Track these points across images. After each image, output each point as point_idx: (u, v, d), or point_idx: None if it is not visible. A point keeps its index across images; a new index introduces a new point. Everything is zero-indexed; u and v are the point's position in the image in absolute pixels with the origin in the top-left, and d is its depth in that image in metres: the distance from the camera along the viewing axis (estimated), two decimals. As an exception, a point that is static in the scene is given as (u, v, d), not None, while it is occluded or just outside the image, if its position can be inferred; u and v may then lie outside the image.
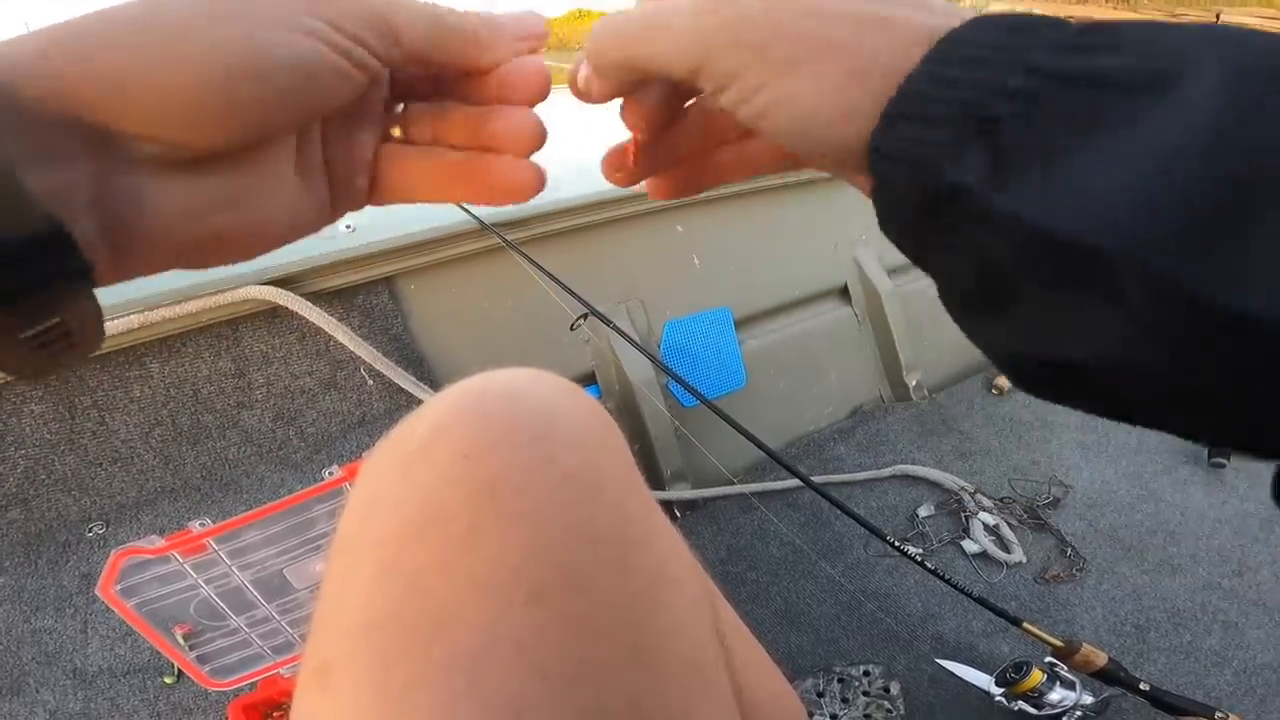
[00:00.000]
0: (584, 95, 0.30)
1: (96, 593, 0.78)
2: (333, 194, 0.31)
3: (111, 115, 0.22)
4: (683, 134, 0.33)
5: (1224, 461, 1.49)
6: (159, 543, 0.77)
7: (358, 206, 0.32)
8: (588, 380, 1.57)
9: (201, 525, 0.78)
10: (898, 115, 0.22)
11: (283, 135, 0.27)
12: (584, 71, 0.29)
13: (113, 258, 0.24)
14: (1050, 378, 0.21)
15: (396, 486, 0.31)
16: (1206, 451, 1.51)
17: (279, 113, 0.25)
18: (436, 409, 0.33)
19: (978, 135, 0.20)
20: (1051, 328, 0.20)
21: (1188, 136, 0.16)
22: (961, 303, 0.23)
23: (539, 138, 0.30)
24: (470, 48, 0.29)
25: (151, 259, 0.25)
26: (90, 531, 1.23)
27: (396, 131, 0.32)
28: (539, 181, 0.30)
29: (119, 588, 0.79)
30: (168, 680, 1.09)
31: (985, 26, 0.21)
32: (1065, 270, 0.18)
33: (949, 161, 0.20)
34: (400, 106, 0.32)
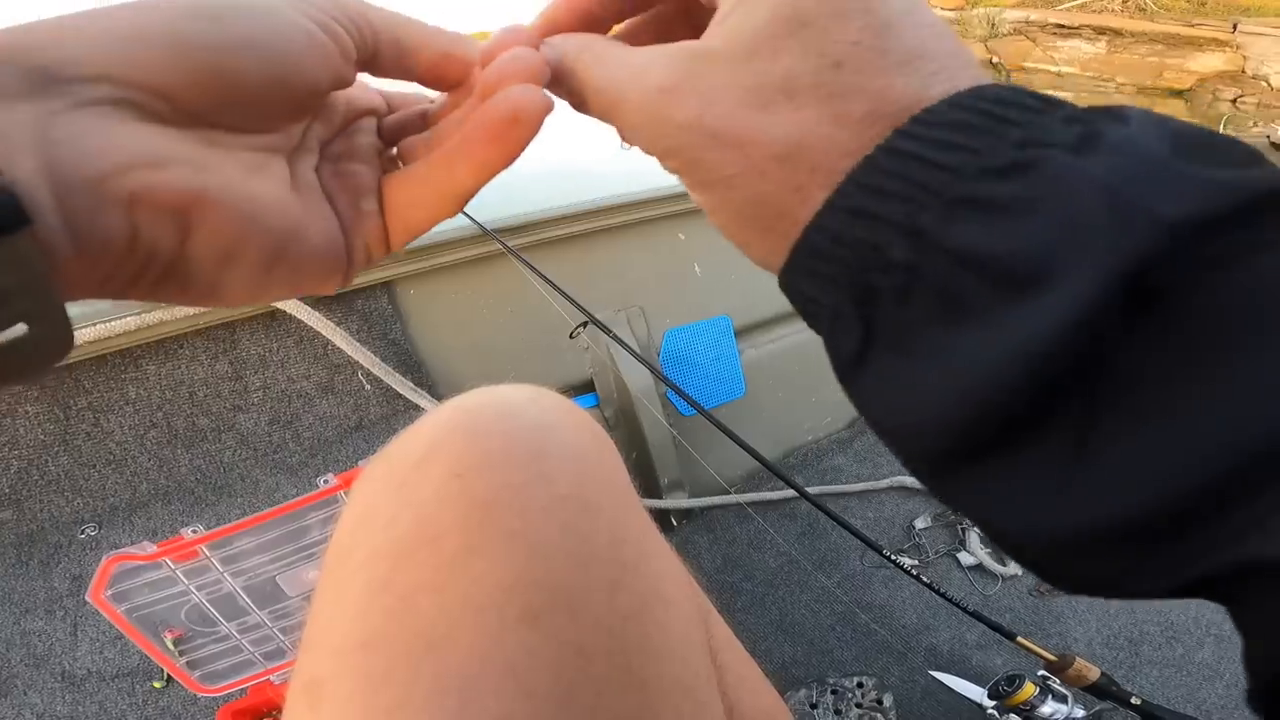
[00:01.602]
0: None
1: (87, 598, 0.78)
2: (342, 222, 0.28)
3: (53, 49, 0.20)
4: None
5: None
6: (151, 548, 0.77)
7: (376, 241, 0.29)
8: (586, 388, 1.57)
9: (194, 532, 0.78)
10: (793, 267, 0.22)
11: (263, 120, 0.25)
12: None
13: (59, 207, 0.19)
14: None
15: (390, 503, 0.31)
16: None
17: (246, 72, 0.23)
18: (431, 425, 0.33)
19: (855, 306, 0.20)
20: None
21: (1003, 353, 0.17)
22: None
23: (542, 68, 0.26)
24: (442, 39, 0.29)
25: (109, 219, 0.20)
26: (82, 533, 1.23)
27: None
28: (547, 103, 0.26)
29: (109, 593, 0.79)
30: (156, 685, 1.09)
31: (897, 156, 0.20)
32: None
33: (829, 323, 0.21)
34: (394, 150, 0.31)
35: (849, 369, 0.21)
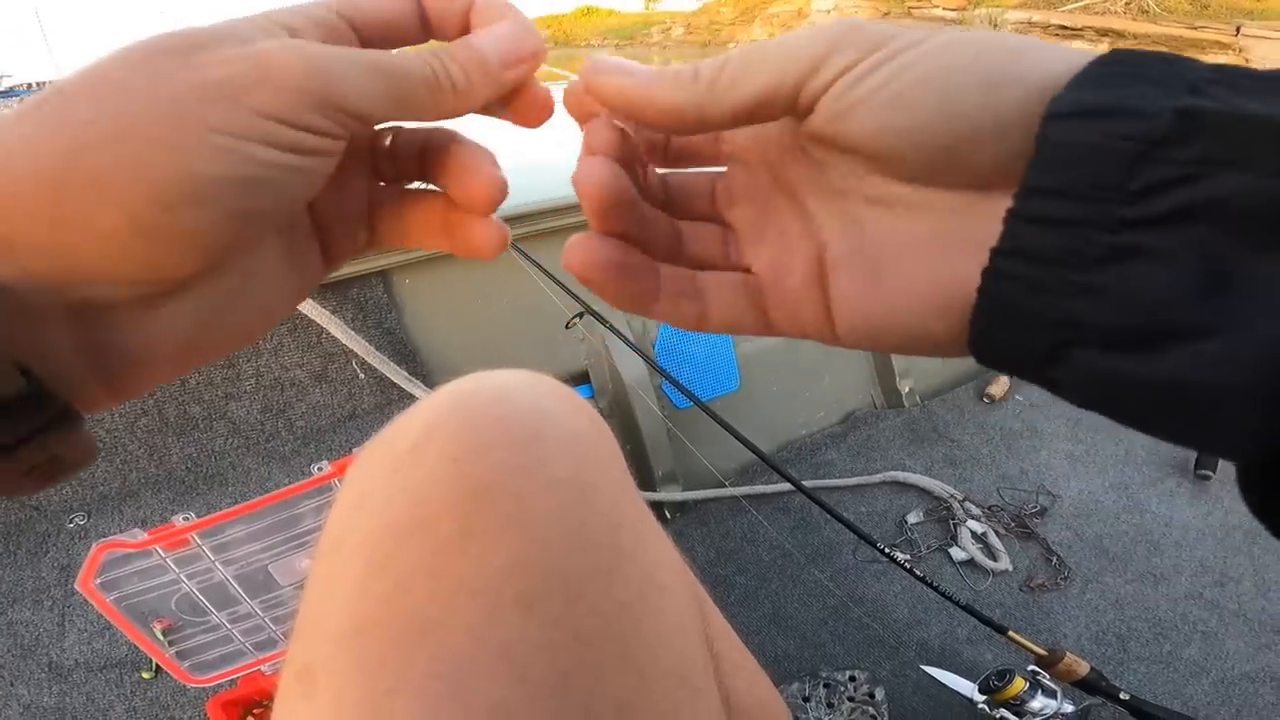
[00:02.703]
0: (693, 123, 0.25)
1: (76, 586, 0.77)
2: (328, 253, 0.29)
3: (62, 271, 0.21)
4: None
5: (1210, 474, 1.50)
6: (141, 536, 0.76)
7: (356, 255, 0.31)
8: (581, 379, 1.57)
9: (185, 519, 0.77)
10: (1089, 76, 0.19)
11: (257, 239, 0.25)
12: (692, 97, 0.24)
13: (107, 388, 0.23)
14: None
15: (384, 488, 0.30)
16: (1193, 463, 1.52)
17: (236, 227, 0.22)
18: (427, 410, 0.33)
19: (1187, 90, 0.17)
20: None
21: None
22: (1125, 343, 0.18)
23: (498, 197, 0.27)
24: (446, 97, 0.25)
25: (149, 381, 0.25)
26: (71, 522, 1.22)
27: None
28: (502, 243, 0.28)
29: (99, 581, 0.78)
30: (145, 675, 1.08)
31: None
32: None
33: (1164, 101, 0.17)
34: (388, 140, 0.30)
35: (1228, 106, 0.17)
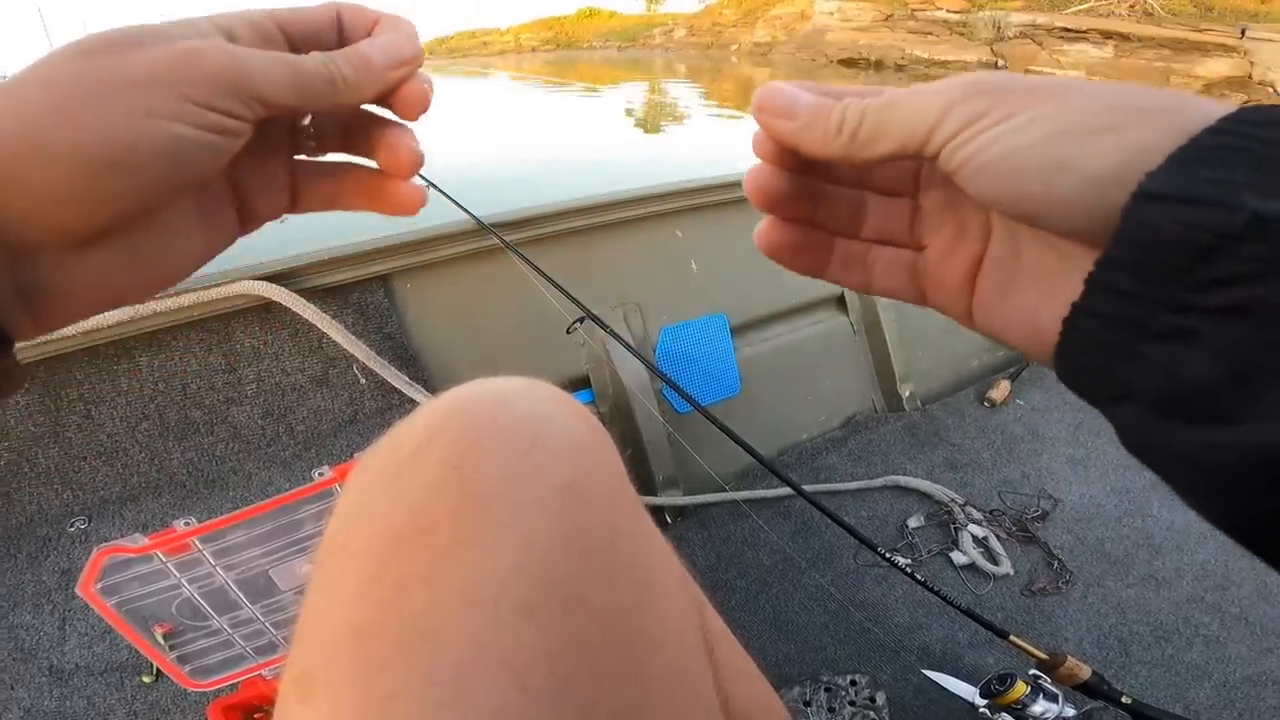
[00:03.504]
0: (844, 155, 0.29)
1: (76, 591, 0.78)
2: (245, 216, 0.34)
3: (5, 221, 0.25)
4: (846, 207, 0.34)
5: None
6: (142, 541, 0.77)
7: (276, 218, 0.35)
8: (582, 384, 1.57)
9: (186, 524, 0.77)
10: (1179, 161, 0.20)
11: (173, 201, 0.29)
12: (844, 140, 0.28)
13: (33, 321, 0.27)
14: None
15: (384, 494, 0.31)
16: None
17: (158, 191, 0.27)
18: (427, 417, 0.33)
19: (1257, 169, 0.18)
20: None
21: None
22: (1167, 411, 0.20)
23: (416, 165, 0.34)
24: (338, 89, 0.30)
25: (70, 316, 0.28)
26: (72, 526, 1.22)
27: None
28: (421, 202, 0.35)
29: (99, 586, 0.78)
30: (146, 680, 1.08)
31: (1220, 134, 0.20)
32: None
33: (1249, 193, 0.18)
34: (308, 118, 0.35)
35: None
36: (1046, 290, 0.26)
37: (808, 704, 1.09)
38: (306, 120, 0.35)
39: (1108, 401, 0.22)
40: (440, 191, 1.36)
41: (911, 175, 0.33)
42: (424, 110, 0.33)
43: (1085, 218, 0.22)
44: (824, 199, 0.33)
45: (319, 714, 0.26)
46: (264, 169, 0.33)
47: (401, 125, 0.34)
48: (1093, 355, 0.22)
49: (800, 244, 0.33)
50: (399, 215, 0.35)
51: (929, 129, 0.25)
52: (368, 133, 0.34)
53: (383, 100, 0.33)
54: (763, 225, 0.33)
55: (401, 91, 0.32)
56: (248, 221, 0.34)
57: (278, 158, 0.34)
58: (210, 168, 0.28)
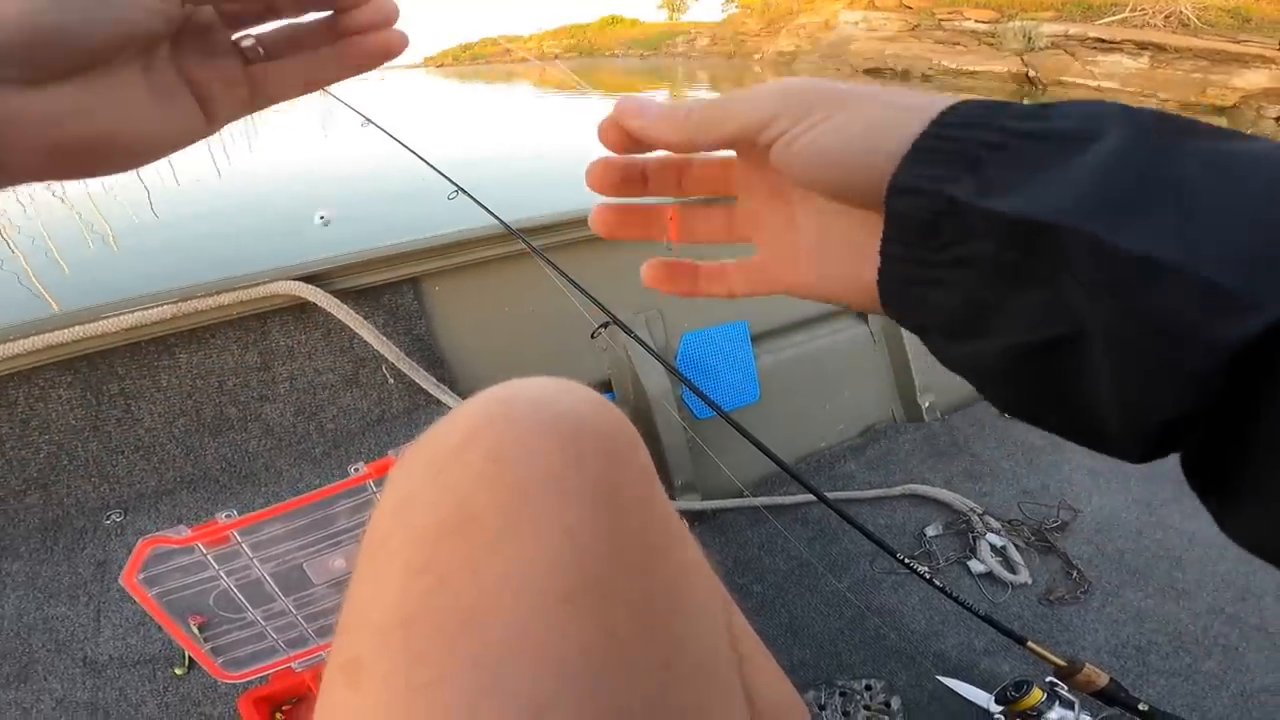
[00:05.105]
0: (686, 144, 0.34)
1: (119, 581, 0.80)
2: (211, 108, 0.35)
3: None
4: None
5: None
6: (185, 533, 0.79)
7: (241, 114, 0.37)
8: (604, 388, 1.59)
9: (228, 516, 0.80)
10: (911, 159, 0.27)
11: (118, 59, 0.31)
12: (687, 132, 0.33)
13: None
14: (1021, 372, 0.26)
15: (429, 488, 0.32)
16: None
17: (93, 36, 0.29)
18: (469, 414, 0.34)
19: (967, 168, 0.25)
20: (1024, 322, 0.24)
21: (1107, 163, 0.23)
22: (947, 333, 0.28)
23: (396, 12, 0.37)
24: None
25: (26, 160, 0.29)
26: (108, 519, 1.25)
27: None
28: (405, 39, 0.37)
29: (141, 577, 0.81)
30: (178, 671, 1.10)
31: (973, 105, 0.27)
32: (1033, 257, 0.23)
33: (948, 185, 0.25)
34: (250, 39, 0.37)
35: (974, 199, 0.25)
36: (860, 258, 0.31)
37: (823, 708, 1.10)
38: (249, 42, 0.37)
39: (920, 332, 0.29)
40: (468, 195, 1.38)
41: (724, 180, 0.38)
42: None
43: (882, 191, 0.28)
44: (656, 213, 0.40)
45: (366, 699, 0.28)
46: (215, 65, 0.35)
47: None
48: (899, 302, 0.29)
49: (672, 270, 0.40)
50: (380, 61, 0.37)
51: (764, 120, 0.30)
52: (327, 26, 0.37)
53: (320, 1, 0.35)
54: (647, 267, 0.41)
55: None
56: (214, 115, 0.36)
57: (229, 58, 0.36)
58: (142, 25, 0.30)
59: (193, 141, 0.36)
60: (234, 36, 0.36)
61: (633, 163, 0.38)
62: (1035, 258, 0.23)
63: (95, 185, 8.12)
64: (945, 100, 0.28)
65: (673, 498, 1.52)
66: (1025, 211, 0.23)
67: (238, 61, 0.36)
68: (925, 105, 0.28)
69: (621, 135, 0.35)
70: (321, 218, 5.92)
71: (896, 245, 0.27)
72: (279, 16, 0.36)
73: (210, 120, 0.36)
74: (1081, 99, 0.26)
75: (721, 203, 0.39)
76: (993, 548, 1.39)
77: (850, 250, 0.32)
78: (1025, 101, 0.28)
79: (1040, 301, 0.24)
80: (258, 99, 0.37)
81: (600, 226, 0.40)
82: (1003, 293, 0.25)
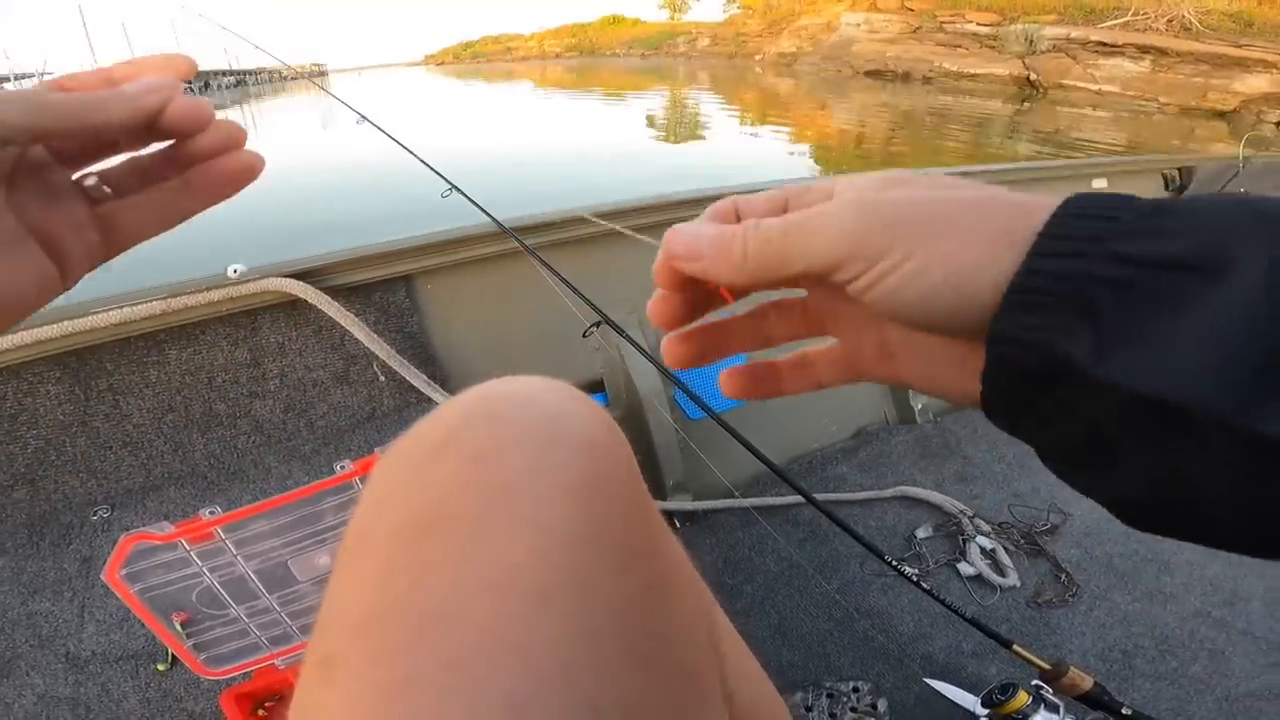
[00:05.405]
0: (728, 282, 0.33)
1: (101, 577, 0.79)
2: (62, 257, 0.34)
3: None
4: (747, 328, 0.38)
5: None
6: (169, 529, 0.79)
7: (98, 261, 0.36)
8: (596, 388, 1.58)
9: (212, 513, 0.79)
10: (1013, 304, 0.25)
11: None
12: (727, 271, 0.32)
13: None
14: (1149, 514, 0.26)
15: (407, 486, 0.32)
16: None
17: None
18: (450, 412, 0.34)
19: (1079, 314, 0.24)
20: (1150, 475, 0.24)
21: (1244, 316, 0.21)
22: (1066, 461, 0.27)
23: (244, 134, 0.36)
24: (87, 107, 0.32)
25: None
26: (95, 515, 1.25)
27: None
28: (260, 160, 0.36)
29: (124, 572, 0.80)
30: (160, 667, 1.10)
31: (1073, 218, 0.26)
32: (1159, 426, 0.22)
33: (1061, 338, 0.24)
34: (92, 178, 0.35)
35: (1092, 364, 0.23)
36: (964, 370, 0.30)
37: (809, 709, 1.10)
38: (92, 180, 0.35)
39: (1030, 443, 0.29)
40: (462, 193, 1.38)
41: (804, 324, 0.37)
42: (205, 120, 0.34)
43: (979, 329, 0.27)
44: (730, 329, 0.38)
45: (339, 696, 0.27)
46: (59, 208, 0.34)
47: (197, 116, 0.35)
48: (1010, 428, 0.28)
49: (757, 377, 0.38)
50: (238, 186, 0.36)
51: (833, 263, 0.29)
52: (171, 156, 0.35)
53: (159, 131, 0.34)
54: (724, 377, 0.38)
55: (170, 110, 0.33)
56: (67, 264, 0.34)
57: (67, 199, 0.34)
58: None
59: (50, 297, 0.33)
60: (75, 176, 0.35)
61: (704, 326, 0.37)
62: (1159, 427, 0.22)
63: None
64: (1036, 211, 0.26)
65: (664, 498, 1.52)
66: (1150, 390, 0.22)
67: (83, 203, 0.34)
68: (1012, 226, 0.27)
69: (677, 275, 0.34)
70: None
71: (1000, 384, 0.27)
72: (117, 151, 0.35)
73: (64, 270, 0.34)
74: (1201, 195, 0.24)
75: (794, 296, 0.38)
76: (983, 550, 1.39)
77: (952, 363, 0.31)
78: (1132, 197, 0.26)
79: (1164, 464, 0.23)
80: (113, 241, 0.35)
81: (675, 361, 0.38)
82: (1130, 445, 0.24)
